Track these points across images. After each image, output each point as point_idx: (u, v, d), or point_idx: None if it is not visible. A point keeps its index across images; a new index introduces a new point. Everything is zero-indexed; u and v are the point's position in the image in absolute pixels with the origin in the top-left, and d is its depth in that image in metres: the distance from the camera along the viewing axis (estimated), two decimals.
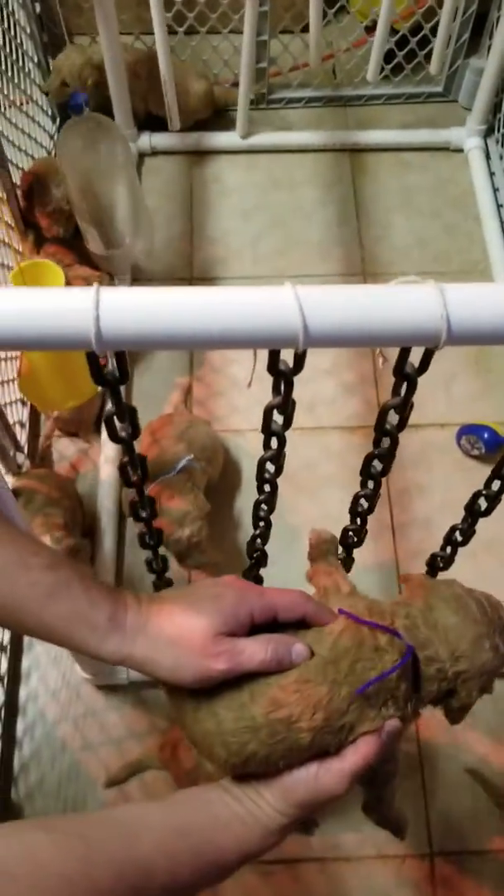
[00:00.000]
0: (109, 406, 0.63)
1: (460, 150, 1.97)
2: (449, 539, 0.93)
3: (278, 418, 0.66)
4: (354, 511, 0.83)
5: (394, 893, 1.22)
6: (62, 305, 0.50)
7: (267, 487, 0.79)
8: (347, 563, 1.03)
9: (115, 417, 0.63)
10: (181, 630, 0.60)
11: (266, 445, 0.71)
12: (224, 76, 2.02)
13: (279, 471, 0.75)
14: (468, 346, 1.88)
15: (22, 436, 1.53)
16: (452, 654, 0.63)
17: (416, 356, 0.59)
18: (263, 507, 0.83)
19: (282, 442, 0.69)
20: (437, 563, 0.99)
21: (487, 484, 0.86)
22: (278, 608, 0.63)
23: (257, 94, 2.00)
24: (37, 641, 1.40)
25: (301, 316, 0.51)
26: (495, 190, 1.90)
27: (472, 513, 0.89)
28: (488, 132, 1.95)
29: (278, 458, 0.72)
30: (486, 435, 1.51)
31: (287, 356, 0.58)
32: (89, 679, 1.33)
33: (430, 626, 0.64)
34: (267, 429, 0.67)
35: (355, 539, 0.96)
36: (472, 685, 0.64)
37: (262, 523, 0.88)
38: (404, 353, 0.57)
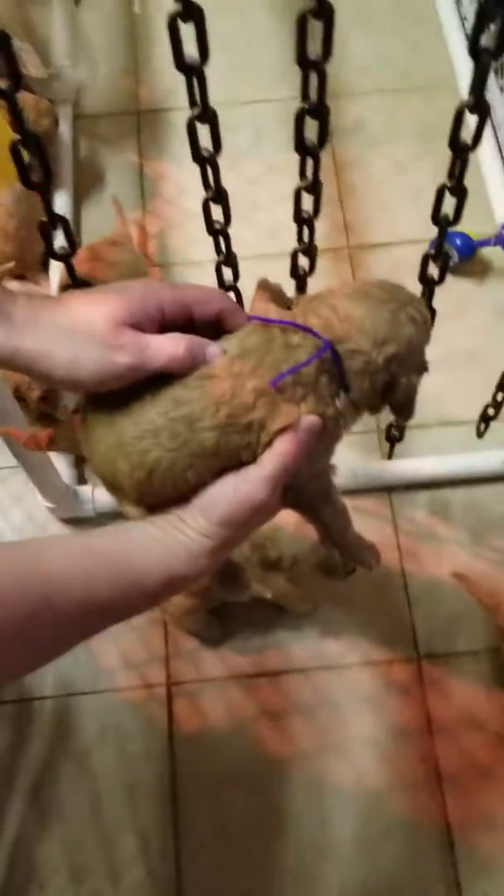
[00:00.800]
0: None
1: None
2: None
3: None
4: (298, 219, 0.76)
5: (383, 697, 1.19)
6: None
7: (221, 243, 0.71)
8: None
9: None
10: (79, 318, 0.52)
11: (204, 181, 0.64)
12: None
13: (227, 216, 0.68)
14: (439, 161, 1.76)
15: None
16: (376, 341, 0.57)
17: None
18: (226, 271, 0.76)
19: (215, 169, 0.61)
20: None
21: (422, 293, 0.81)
22: (190, 302, 0.55)
23: None
24: None
25: None
26: (457, 2, 1.77)
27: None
28: None
29: (219, 195, 0.64)
30: (458, 241, 1.43)
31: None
32: (52, 509, 1.26)
33: (344, 320, 0.57)
34: (196, 153, 0.59)
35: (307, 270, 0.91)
36: (408, 366, 0.59)
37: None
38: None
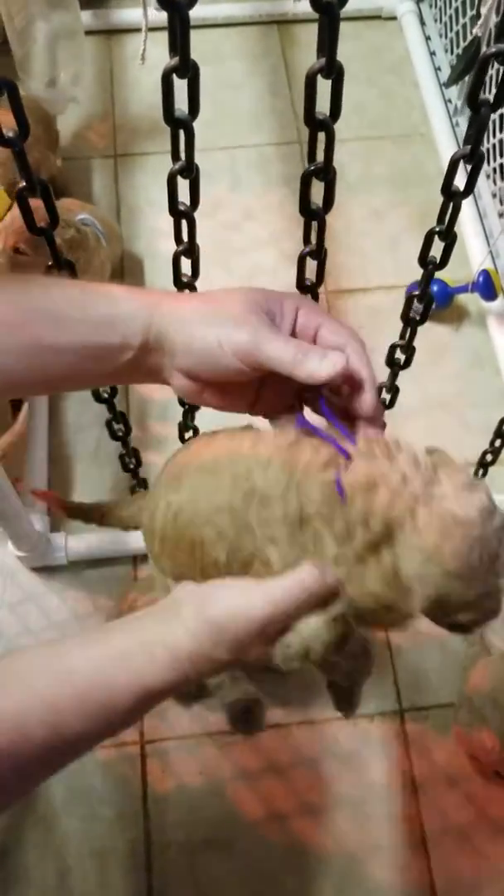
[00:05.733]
0: None
1: (393, 18, 1.87)
2: (391, 360, 0.91)
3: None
4: (302, 287, 0.75)
5: (363, 753, 1.15)
6: None
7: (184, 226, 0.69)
8: None
9: None
10: (215, 297, 0.52)
11: (177, 236, 0.62)
12: None
13: (195, 272, 0.67)
14: (414, 209, 1.78)
15: None
16: (424, 552, 0.47)
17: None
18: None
19: (191, 224, 0.59)
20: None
21: (402, 334, 0.82)
22: (325, 324, 0.53)
23: None
24: None
25: None
26: (432, 54, 1.80)
27: (392, 365, 0.88)
28: None
29: (192, 250, 0.62)
30: (435, 288, 1.42)
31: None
32: (24, 557, 1.22)
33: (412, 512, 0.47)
34: (174, 207, 0.58)
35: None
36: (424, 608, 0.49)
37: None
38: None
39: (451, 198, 0.68)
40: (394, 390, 0.95)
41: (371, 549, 0.48)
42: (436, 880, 1.08)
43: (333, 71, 0.53)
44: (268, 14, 1.85)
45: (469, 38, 1.57)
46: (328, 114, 0.58)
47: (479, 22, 1.43)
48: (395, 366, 0.90)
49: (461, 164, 0.64)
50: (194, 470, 0.54)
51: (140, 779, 1.12)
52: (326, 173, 0.63)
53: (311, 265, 0.73)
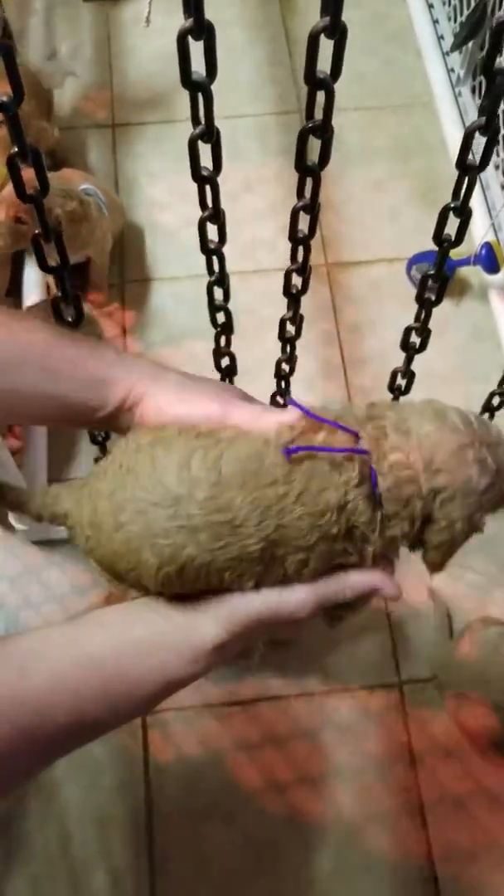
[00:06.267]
0: None
1: None
2: (392, 387, 0.89)
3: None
4: (294, 238, 0.74)
5: (362, 725, 1.16)
6: None
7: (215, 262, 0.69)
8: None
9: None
10: (195, 377, 0.58)
11: (201, 201, 0.61)
12: None
13: (222, 237, 0.66)
14: (414, 180, 1.76)
15: None
16: (429, 465, 0.51)
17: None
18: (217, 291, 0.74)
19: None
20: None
21: (417, 316, 0.81)
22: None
23: None
24: None
25: None
26: (434, 22, 1.77)
27: (407, 349, 0.85)
28: None
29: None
30: None
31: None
32: (24, 531, 1.22)
33: (402, 433, 0.52)
34: (196, 172, 0.60)
35: (287, 369, 0.90)
36: (452, 510, 0.51)
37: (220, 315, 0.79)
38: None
39: (467, 172, 0.65)
40: (409, 375, 0.93)
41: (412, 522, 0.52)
42: (433, 849, 1.09)
43: (337, 31, 0.52)
44: None
45: (473, 4, 1.55)
46: (329, 73, 0.57)
47: None
48: (410, 349, 0.87)
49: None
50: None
51: (141, 748, 1.13)
52: (324, 132, 0.62)
53: (305, 222, 0.72)
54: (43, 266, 0.70)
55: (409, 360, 0.90)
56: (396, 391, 0.94)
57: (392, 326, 1.47)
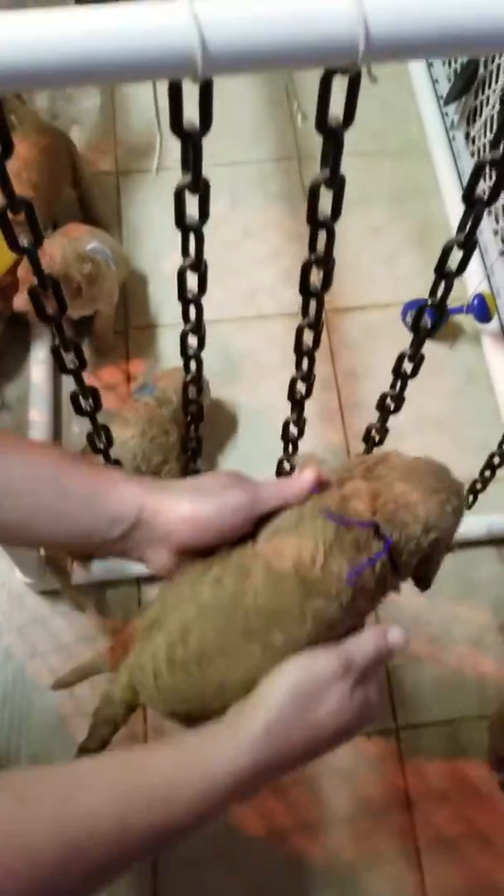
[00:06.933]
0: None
1: None
2: (381, 405, 0.90)
3: (192, 202, 0.58)
4: (293, 397, 0.77)
5: (360, 770, 1.19)
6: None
7: (192, 311, 0.71)
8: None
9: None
10: (202, 482, 0.60)
11: (184, 249, 0.64)
12: None
13: (202, 286, 0.68)
14: (410, 225, 1.78)
15: None
16: (425, 528, 0.62)
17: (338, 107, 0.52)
18: (192, 339, 0.76)
19: (199, 239, 0.61)
20: (372, 437, 0.95)
21: (412, 344, 0.82)
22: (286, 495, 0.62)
23: None
24: None
25: (198, 33, 0.43)
26: (429, 64, 1.81)
27: (400, 375, 0.86)
28: None
29: (199, 264, 0.65)
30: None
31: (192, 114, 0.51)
32: (30, 584, 1.26)
33: (402, 506, 0.62)
34: (181, 221, 0.59)
35: (297, 432, 0.92)
36: (440, 549, 0.64)
37: (192, 363, 0.81)
38: (325, 88, 0.49)
39: (473, 206, 0.63)
40: (400, 400, 0.93)
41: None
42: (429, 892, 1.13)
43: (336, 183, 0.55)
44: None
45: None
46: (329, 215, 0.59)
47: None
48: (402, 376, 0.87)
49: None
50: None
51: None
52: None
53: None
54: (41, 316, 0.69)
55: (402, 387, 0.89)
56: (386, 410, 0.93)
57: (387, 371, 1.50)
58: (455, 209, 1.63)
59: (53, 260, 1.26)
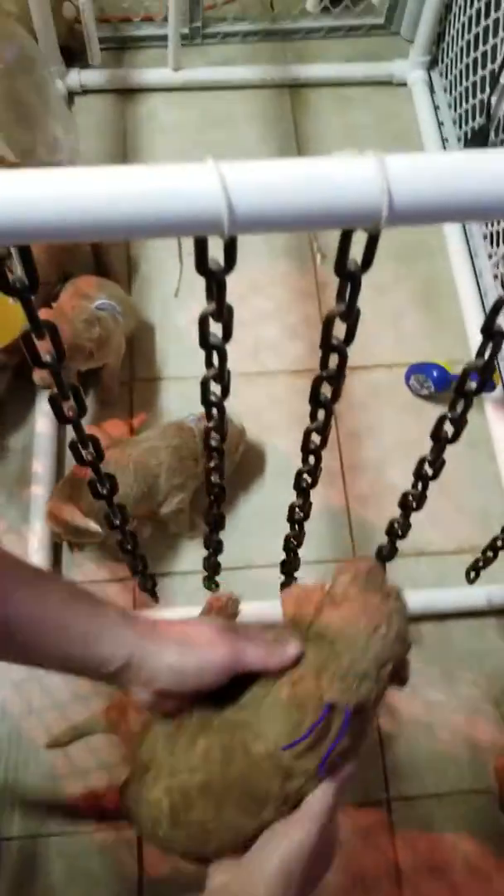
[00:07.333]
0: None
1: (403, 84, 1.91)
2: (419, 473, 0.88)
3: (216, 329, 0.59)
4: (306, 448, 0.77)
5: (351, 842, 1.19)
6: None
7: (214, 412, 0.72)
8: (293, 562, 1.00)
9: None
10: (190, 632, 0.63)
11: (207, 362, 0.65)
12: (156, 10, 1.92)
13: (225, 392, 0.69)
14: (416, 284, 1.80)
15: None
16: (377, 676, 0.62)
17: (357, 251, 0.53)
18: (214, 435, 0.76)
19: (223, 356, 0.62)
20: (410, 503, 0.93)
21: (452, 405, 0.80)
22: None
23: (191, 28, 1.90)
24: None
25: (225, 196, 0.44)
26: (440, 124, 1.84)
27: (439, 440, 0.84)
28: (432, 64, 1.89)
29: (222, 375, 0.65)
30: (435, 373, 1.47)
31: (217, 252, 0.52)
32: None
33: (348, 671, 0.62)
34: (205, 342, 0.61)
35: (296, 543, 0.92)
36: (403, 663, 0.66)
37: (214, 454, 0.81)
38: (345, 238, 0.50)
39: (492, 338, 0.63)
40: (422, 499, 0.93)
41: None
42: None
43: (352, 317, 0.57)
44: (280, 79, 1.89)
45: (479, 120, 1.61)
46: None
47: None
48: (423, 478, 0.87)
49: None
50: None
51: (136, 863, 1.17)
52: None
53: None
54: (36, 361, 0.64)
55: (423, 488, 0.88)
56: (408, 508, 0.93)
57: (390, 433, 1.52)
58: (461, 269, 1.65)
59: (64, 335, 1.27)
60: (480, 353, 0.66)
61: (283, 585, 1.05)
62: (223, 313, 0.57)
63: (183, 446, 1.31)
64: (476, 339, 1.52)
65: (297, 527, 0.95)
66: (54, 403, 0.69)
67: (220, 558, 1.05)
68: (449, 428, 0.78)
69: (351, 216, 0.46)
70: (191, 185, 0.45)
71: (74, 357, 1.30)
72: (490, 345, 0.64)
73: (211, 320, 0.58)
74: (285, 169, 0.45)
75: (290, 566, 1.04)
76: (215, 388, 0.69)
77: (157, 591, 1.21)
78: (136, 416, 1.49)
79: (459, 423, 0.75)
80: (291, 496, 0.86)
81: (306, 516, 0.94)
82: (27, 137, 1.49)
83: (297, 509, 0.95)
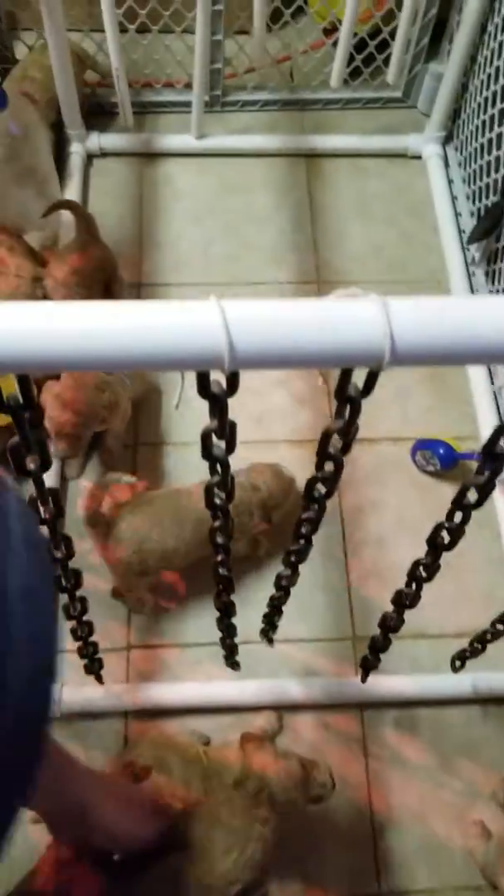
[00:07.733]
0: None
1: (418, 157, 1.93)
2: (413, 575, 0.87)
3: (219, 443, 0.59)
4: (297, 534, 0.77)
5: None
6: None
7: (219, 515, 0.72)
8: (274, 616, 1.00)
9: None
10: None
11: (211, 471, 0.65)
12: (177, 76, 1.95)
13: (230, 497, 0.69)
14: None
15: None
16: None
17: (359, 376, 0.53)
18: (219, 535, 0.76)
19: (226, 467, 0.62)
20: (403, 601, 0.93)
21: (449, 516, 0.79)
22: None
23: (211, 96, 1.94)
24: None
25: (226, 334, 0.44)
26: (453, 198, 1.85)
27: (435, 546, 0.83)
28: (447, 139, 1.91)
29: (225, 483, 0.65)
30: (441, 450, 1.46)
31: (220, 375, 0.52)
32: None
33: None
34: (208, 454, 0.60)
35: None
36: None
37: (220, 553, 0.81)
38: (346, 374, 0.50)
39: (495, 460, 0.63)
40: (434, 569, 0.90)
41: None
42: None
43: (350, 434, 0.57)
44: (297, 148, 1.91)
45: (493, 197, 1.62)
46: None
47: None
48: (438, 547, 0.85)
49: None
50: None
51: None
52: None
53: None
54: (21, 471, 0.61)
55: (435, 556, 0.86)
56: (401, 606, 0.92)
57: (393, 508, 1.51)
58: None
59: (79, 403, 1.28)
60: (479, 471, 0.66)
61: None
62: (225, 431, 0.57)
63: (238, 502, 1.28)
64: (485, 419, 1.51)
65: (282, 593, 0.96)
66: (16, 454, 0.61)
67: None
68: (445, 535, 0.79)
69: (352, 358, 0.46)
70: (193, 322, 0.45)
71: (89, 424, 1.31)
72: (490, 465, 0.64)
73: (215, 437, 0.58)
74: (288, 310, 0.45)
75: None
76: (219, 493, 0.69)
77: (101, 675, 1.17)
78: (139, 481, 1.49)
79: (456, 534, 0.75)
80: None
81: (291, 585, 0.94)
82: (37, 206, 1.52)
83: (283, 579, 0.95)
